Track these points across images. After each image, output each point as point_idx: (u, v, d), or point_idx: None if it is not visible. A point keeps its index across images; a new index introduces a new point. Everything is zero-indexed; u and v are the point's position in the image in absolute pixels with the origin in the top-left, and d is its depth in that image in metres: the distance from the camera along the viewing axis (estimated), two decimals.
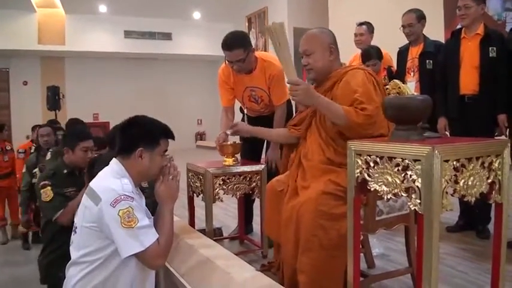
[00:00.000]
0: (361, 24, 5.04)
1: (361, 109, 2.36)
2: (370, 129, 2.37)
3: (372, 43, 4.93)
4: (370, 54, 4.45)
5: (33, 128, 5.89)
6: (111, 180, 1.92)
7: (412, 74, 4.21)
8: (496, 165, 1.81)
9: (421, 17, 4.19)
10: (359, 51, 4.86)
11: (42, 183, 2.95)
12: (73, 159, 3.09)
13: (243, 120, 3.84)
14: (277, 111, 3.67)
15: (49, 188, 2.91)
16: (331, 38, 2.65)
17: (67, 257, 1.99)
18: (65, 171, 3.07)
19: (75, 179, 3.06)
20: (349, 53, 5.22)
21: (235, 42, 3.39)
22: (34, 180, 4.04)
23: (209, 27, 12.64)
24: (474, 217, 3.86)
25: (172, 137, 2.15)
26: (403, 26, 4.22)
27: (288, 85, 2.57)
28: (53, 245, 2.98)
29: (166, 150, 2.13)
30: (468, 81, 3.72)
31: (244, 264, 2.45)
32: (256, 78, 3.58)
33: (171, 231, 2.02)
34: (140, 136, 2.04)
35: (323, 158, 2.53)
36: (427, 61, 4.10)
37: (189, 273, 2.47)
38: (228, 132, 3.28)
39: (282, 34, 2.56)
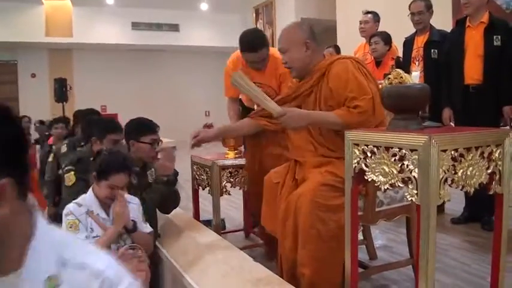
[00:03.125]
0: (367, 12, 5.01)
1: (354, 107, 2.33)
2: (370, 121, 2.34)
3: None
4: (375, 34, 4.53)
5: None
6: None
7: (417, 63, 4.15)
8: (496, 155, 1.78)
9: (429, 6, 4.15)
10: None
11: (66, 168, 2.97)
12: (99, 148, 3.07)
13: (241, 113, 3.72)
14: None
15: (72, 173, 2.91)
16: (307, 32, 2.57)
17: None
18: (91, 158, 3.05)
19: None
20: (356, 43, 5.19)
21: (261, 42, 3.15)
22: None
23: (217, 18, 12.55)
24: (479, 209, 3.82)
25: None
26: (412, 13, 4.15)
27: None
28: None
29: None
30: (472, 70, 3.67)
31: (243, 255, 2.46)
32: (267, 74, 3.34)
33: None
34: None
35: (316, 155, 2.50)
36: (432, 50, 4.05)
37: (190, 265, 2.48)
38: (192, 143, 2.82)
39: (244, 78, 2.56)
